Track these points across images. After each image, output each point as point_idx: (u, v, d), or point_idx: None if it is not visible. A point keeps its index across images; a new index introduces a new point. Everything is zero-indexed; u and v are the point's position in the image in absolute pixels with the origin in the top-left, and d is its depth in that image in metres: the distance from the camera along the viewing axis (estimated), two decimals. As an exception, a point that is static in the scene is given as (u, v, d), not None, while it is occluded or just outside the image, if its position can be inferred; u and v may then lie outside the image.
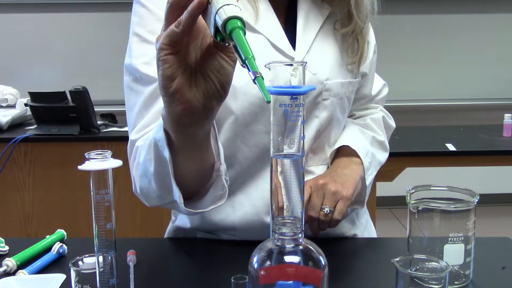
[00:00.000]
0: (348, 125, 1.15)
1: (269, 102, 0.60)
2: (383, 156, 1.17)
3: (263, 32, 1.01)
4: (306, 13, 1.05)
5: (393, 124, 1.26)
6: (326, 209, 0.99)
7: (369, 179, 1.09)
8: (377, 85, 1.25)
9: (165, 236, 1.20)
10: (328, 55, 1.05)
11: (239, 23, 0.60)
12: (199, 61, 0.68)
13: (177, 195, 0.83)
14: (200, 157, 0.82)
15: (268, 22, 1.01)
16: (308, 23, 1.04)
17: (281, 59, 1.00)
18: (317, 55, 1.04)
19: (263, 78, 0.59)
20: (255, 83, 0.59)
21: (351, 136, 1.11)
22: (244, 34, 0.60)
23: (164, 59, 0.65)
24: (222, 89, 0.70)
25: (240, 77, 0.86)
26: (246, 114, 0.99)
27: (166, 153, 0.79)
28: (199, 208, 0.88)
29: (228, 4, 0.61)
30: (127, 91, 0.99)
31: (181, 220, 1.14)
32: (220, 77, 0.69)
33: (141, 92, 0.96)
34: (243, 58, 0.60)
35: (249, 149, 1.02)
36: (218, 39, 0.64)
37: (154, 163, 0.84)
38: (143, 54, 0.96)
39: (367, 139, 1.14)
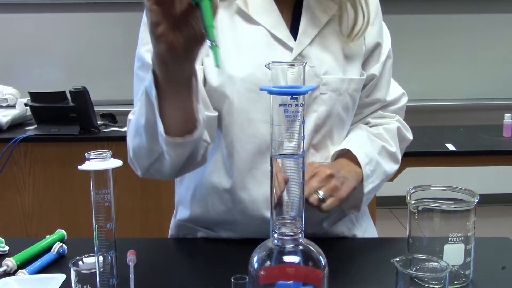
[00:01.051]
0: (357, 130, 1.14)
1: (218, 67, 0.69)
2: (391, 168, 1.14)
3: (264, 23, 1.03)
4: (313, 8, 1.05)
5: (409, 136, 1.21)
6: (322, 195, 0.98)
7: (368, 187, 1.08)
8: (395, 92, 1.21)
9: (169, 232, 1.21)
10: (330, 51, 1.05)
11: None
12: (182, 12, 0.76)
13: (161, 127, 0.86)
14: (182, 105, 0.87)
15: (268, 14, 1.04)
16: (313, 19, 1.05)
17: (280, 50, 1.03)
18: (318, 49, 1.04)
19: (218, 47, 0.70)
20: (210, 50, 0.70)
21: (356, 141, 1.10)
22: (212, 4, 0.71)
23: (151, 8, 0.75)
24: (200, 35, 0.77)
25: (240, 67, 0.99)
26: (243, 100, 1.01)
27: (153, 92, 0.85)
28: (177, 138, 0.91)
29: None
30: (134, 77, 1.05)
31: (182, 212, 1.16)
32: (200, 24, 0.76)
33: (143, 79, 0.99)
34: (205, 26, 0.71)
35: (247, 139, 1.02)
36: (193, 3, 0.73)
37: (144, 113, 0.90)
38: (148, 42, 0.98)
39: (375, 148, 1.11)
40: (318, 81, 1.03)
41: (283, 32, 1.04)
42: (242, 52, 1.02)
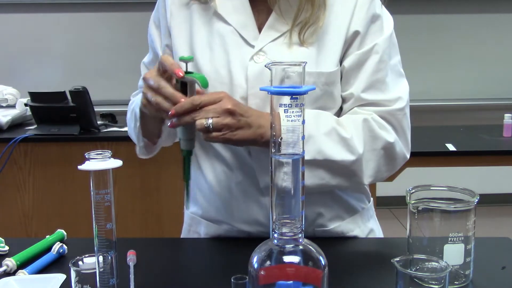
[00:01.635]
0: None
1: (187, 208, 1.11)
2: (339, 154, 1.01)
3: (232, 22, 1.07)
4: (284, 6, 1.05)
5: (386, 136, 1.05)
6: (209, 123, 0.94)
7: None
8: (388, 95, 1.07)
9: (184, 223, 1.22)
10: (301, 46, 1.05)
11: (190, 153, 0.99)
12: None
13: (140, 141, 1.15)
14: (155, 128, 1.12)
15: (239, 13, 1.08)
16: (283, 15, 1.05)
17: (245, 48, 1.06)
18: (284, 45, 1.05)
19: (188, 195, 1.04)
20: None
21: None
22: (191, 155, 1.00)
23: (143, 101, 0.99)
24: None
25: (207, 64, 1.07)
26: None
27: (138, 116, 1.10)
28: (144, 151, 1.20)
29: (190, 139, 0.99)
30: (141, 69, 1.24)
31: (192, 206, 1.18)
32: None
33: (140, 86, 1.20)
34: (184, 176, 1.00)
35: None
36: (183, 154, 0.99)
37: (133, 118, 1.15)
38: (148, 55, 1.22)
39: (321, 126, 1.02)
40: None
41: (250, 32, 1.07)
42: (212, 51, 1.07)
